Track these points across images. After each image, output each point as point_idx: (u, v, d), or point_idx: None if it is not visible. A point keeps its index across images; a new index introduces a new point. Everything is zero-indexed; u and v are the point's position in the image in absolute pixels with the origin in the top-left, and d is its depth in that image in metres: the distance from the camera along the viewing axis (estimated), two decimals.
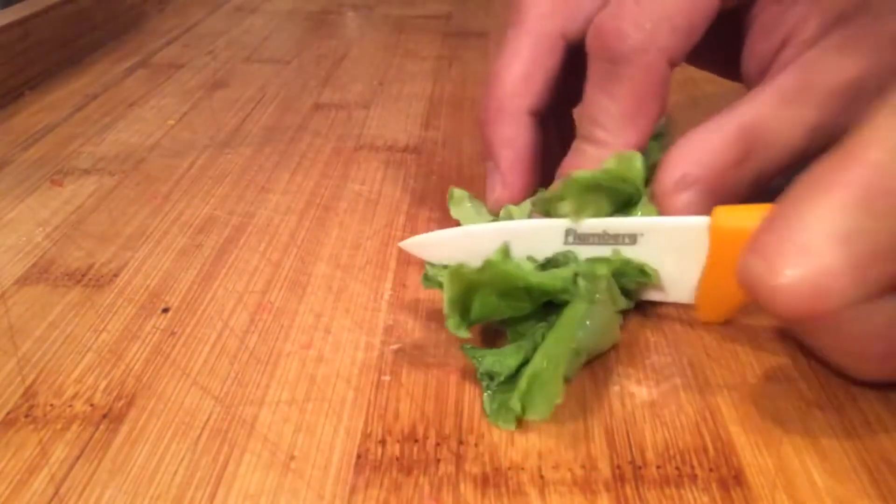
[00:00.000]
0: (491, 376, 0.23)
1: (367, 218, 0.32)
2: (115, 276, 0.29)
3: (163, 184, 0.36)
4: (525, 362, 0.23)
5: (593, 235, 0.25)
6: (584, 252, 0.25)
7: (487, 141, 0.29)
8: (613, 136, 0.26)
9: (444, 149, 0.39)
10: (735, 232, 0.22)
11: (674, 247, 0.24)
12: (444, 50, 0.55)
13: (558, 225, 0.25)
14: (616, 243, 0.25)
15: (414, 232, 0.31)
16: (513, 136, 0.28)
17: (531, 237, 0.26)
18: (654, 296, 0.26)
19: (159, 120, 0.43)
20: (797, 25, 0.26)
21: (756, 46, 0.28)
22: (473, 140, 0.40)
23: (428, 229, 0.31)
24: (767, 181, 0.25)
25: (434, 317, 0.26)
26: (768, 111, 0.25)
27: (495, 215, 0.29)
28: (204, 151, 0.39)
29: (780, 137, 0.25)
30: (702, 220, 0.23)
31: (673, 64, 0.26)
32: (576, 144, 0.27)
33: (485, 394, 0.22)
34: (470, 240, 0.27)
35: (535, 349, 0.23)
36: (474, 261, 0.24)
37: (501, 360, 0.23)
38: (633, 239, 0.25)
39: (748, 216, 0.22)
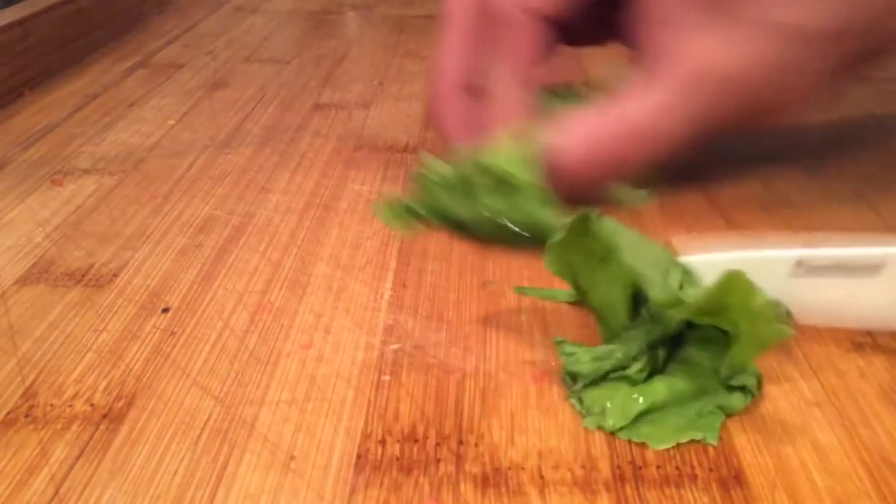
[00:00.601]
0: (574, 377, 0.22)
1: (367, 218, 0.32)
2: (115, 276, 0.29)
3: (163, 184, 0.36)
4: (619, 367, 0.22)
5: (828, 268, 0.22)
6: (814, 286, 0.22)
7: (440, 130, 0.33)
8: (504, 90, 0.30)
9: (444, 149, 0.39)
10: None
11: None
12: None
13: (788, 256, 0.23)
14: (854, 276, 0.22)
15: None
16: (461, 117, 0.32)
17: (755, 268, 0.22)
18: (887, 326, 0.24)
19: (159, 120, 0.43)
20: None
21: (637, 32, 0.30)
22: None
23: (428, 229, 0.31)
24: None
25: (434, 317, 0.26)
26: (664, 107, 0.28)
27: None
28: (204, 151, 0.39)
29: (666, 135, 0.28)
30: None
31: (549, 21, 0.29)
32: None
33: (571, 399, 0.22)
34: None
35: (635, 355, 0.22)
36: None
37: (599, 363, 0.22)
38: (875, 270, 0.22)
39: None
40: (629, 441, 0.21)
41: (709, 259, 0.24)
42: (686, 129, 0.28)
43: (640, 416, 0.21)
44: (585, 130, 0.28)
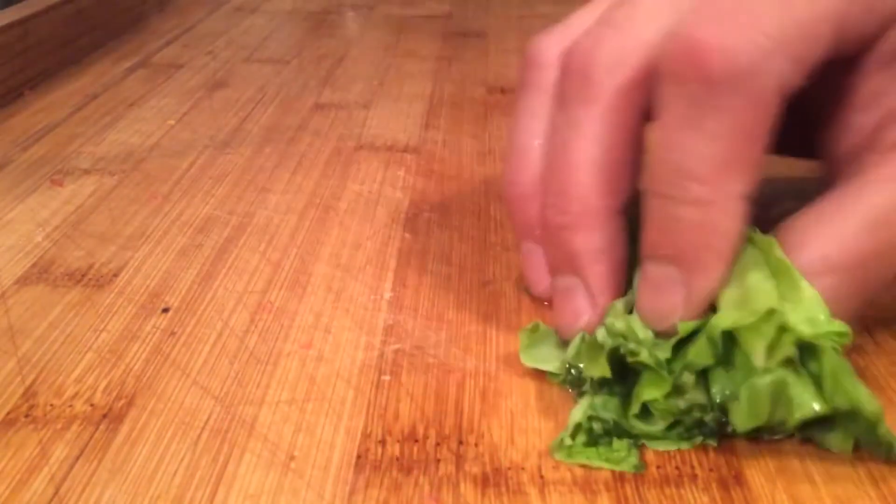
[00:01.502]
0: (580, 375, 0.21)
1: (367, 218, 0.32)
2: (115, 276, 0.29)
3: (163, 184, 0.36)
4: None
5: None
6: None
7: (571, 252, 0.23)
8: (716, 191, 0.20)
9: (444, 149, 0.39)
10: None
11: None
12: (444, 50, 0.55)
13: None
14: None
15: (414, 232, 0.31)
16: (605, 246, 0.22)
17: None
18: None
19: (159, 120, 0.43)
20: None
21: (852, 118, 0.23)
22: (473, 140, 0.40)
23: (428, 229, 0.31)
24: None
25: (434, 317, 0.26)
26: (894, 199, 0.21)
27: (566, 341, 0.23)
28: (204, 151, 0.39)
29: None
30: None
31: (784, 98, 0.20)
32: (663, 207, 0.21)
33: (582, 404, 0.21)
34: None
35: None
36: None
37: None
38: None
39: None
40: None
41: None
42: None
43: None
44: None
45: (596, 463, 0.20)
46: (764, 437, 0.21)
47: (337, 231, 0.31)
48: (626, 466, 0.20)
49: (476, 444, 0.21)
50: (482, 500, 0.19)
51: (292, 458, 0.21)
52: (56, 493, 0.20)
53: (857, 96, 0.23)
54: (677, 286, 0.21)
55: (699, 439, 0.21)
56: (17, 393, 0.23)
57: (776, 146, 0.21)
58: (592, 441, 0.20)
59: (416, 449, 0.21)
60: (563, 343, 0.23)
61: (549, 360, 0.23)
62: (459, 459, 0.20)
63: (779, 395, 0.19)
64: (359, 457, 0.21)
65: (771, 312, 0.19)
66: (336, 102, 0.46)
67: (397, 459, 0.20)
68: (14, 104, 0.46)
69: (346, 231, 0.31)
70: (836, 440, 0.20)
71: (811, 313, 0.19)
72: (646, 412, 0.20)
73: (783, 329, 0.19)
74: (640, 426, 0.20)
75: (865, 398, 0.19)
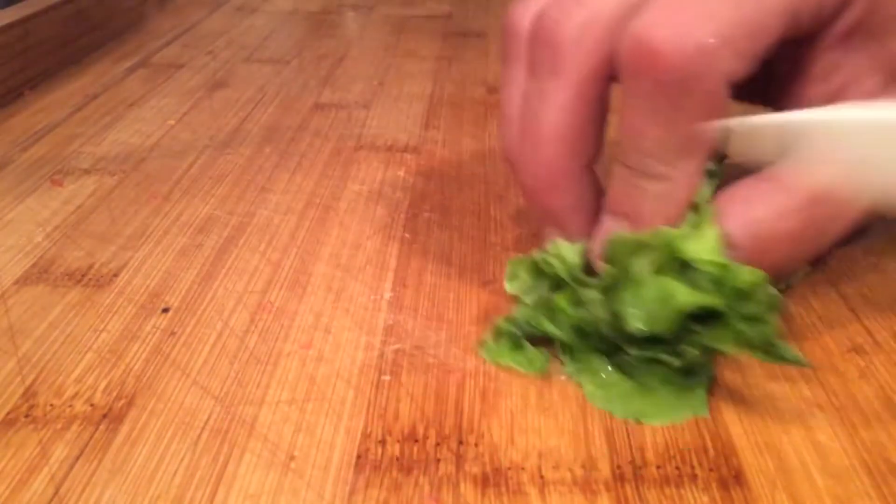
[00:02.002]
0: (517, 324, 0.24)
1: (367, 218, 0.32)
2: (115, 276, 0.29)
3: (163, 184, 0.36)
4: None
5: None
6: None
7: (548, 210, 0.25)
8: (672, 169, 0.22)
9: (444, 149, 0.39)
10: None
11: None
12: (444, 50, 0.55)
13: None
14: None
15: (414, 232, 0.31)
16: (578, 200, 0.24)
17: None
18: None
19: (159, 120, 0.43)
20: (856, 77, 0.24)
21: (805, 90, 0.24)
22: (473, 140, 0.40)
23: (428, 229, 0.31)
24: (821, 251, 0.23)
25: (434, 317, 0.26)
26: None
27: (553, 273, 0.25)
28: (204, 151, 0.39)
29: (843, 209, 0.22)
30: None
31: (734, 85, 0.22)
32: (627, 176, 0.23)
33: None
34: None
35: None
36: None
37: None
38: None
39: None
40: (629, 441, 0.21)
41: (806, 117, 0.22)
42: None
43: (630, 393, 0.22)
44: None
45: (512, 364, 0.24)
46: (662, 355, 0.22)
47: (337, 231, 0.31)
48: (534, 369, 0.23)
49: (476, 444, 0.21)
50: (482, 500, 0.19)
51: (292, 458, 0.21)
52: (56, 493, 0.20)
53: (811, 71, 0.24)
54: None
55: (604, 358, 0.23)
56: (17, 393, 0.23)
57: (742, 95, 0.24)
58: (511, 346, 0.24)
59: (416, 449, 0.21)
60: (539, 274, 0.26)
61: (528, 292, 0.26)
62: (459, 459, 0.20)
63: (662, 300, 0.21)
64: (359, 457, 0.21)
65: (659, 232, 0.22)
66: (336, 102, 0.46)
67: (397, 459, 0.20)
68: (14, 104, 0.46)
69: (346, 231, 0.31)
70: (725, 341, 0.22)
71: (705, 244, 0.22)
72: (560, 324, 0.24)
73: (668, 246, 0.22)
74: (549, 327, 0.24)
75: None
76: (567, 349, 0.24)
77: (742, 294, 0.21)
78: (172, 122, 0.43)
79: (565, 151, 0.24)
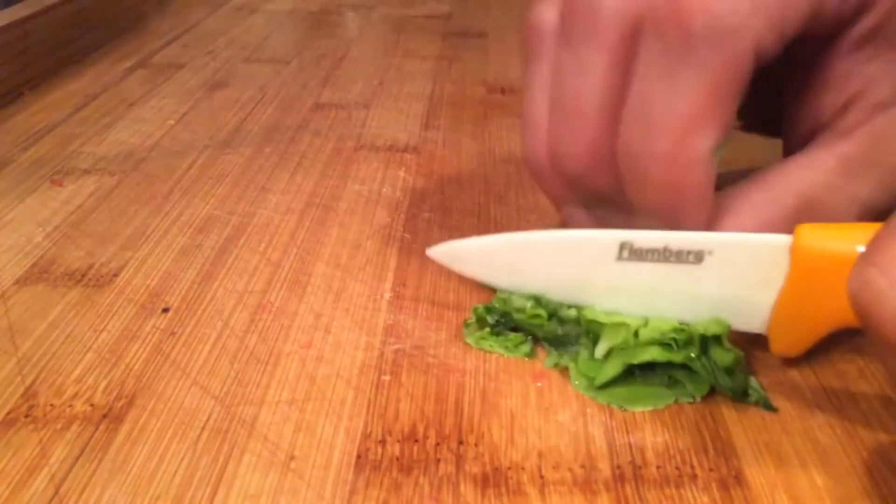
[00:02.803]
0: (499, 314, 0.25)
1: (367, 218, 0.32)
2: (115, 276, 0.29)
3: (163, 184, 0.36)
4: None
5: (652, 251, 0.22)
6: (639, 271, 0.22)
7: (596, 190, 0.24)
8: (682, 146, 0.21)
9: (444, 149, 0.39)
10: (822, 253, 0.20)
11: (745, 268, 0.21)
12: (444, 50, 0.55)
13: (612, 237, 0.22)
14: (678, 261, 0.22)
15: (414, 232, 0.31)
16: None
17: (580, 250, 0.23)
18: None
19: (159, 120, 0.43)
20: (869, 85, 0.23)
21: (819, 99, 0.24)
22: (473, 140, 0.40)
23: (428, 229, 0.31)
24: None
25: (434, 317, 0.26)
26: (829, 181, 0.22)
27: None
28: (204, 151, 0.39)
29: (834, 211, 0.22)
30: (782, 239, 0.21)
31: (757, 62, 0.21)
32: (634, 166, 0.22)
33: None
34: (511, 251, 0.24)
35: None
36: (516, 276, 0.24)
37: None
38: (698, 256, 0.22)
39: (838, 235, 0.20)
40: (629, 441, 0.21)
41: (540, 236, 0.24)
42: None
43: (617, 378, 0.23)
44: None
45: (496, 350, 0.24)
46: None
47: (337, 231, 0.31)
48: (519, 353, 0.24)
49: (476, 444, 0.21)
50: (482, 500, 0.19)
51: (292, 458, 0.21)
52: (56, 493, 0.20)
53: (825, 78, 0.24)
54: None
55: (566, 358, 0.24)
56: (17, 393, 0.23)
57: (747, 124, 0.24)
58: (494, 332, 0.25)
59: (416, 449, 0.21)
60: None
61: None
62: (459, 459, 0.20)
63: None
64: (359, 457, 0.21)
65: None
66: (336, 102, 0.46)
67: (397, 459, 0.20)
68: (14, 104, 0.46)
69: (346, 231, 0.31)
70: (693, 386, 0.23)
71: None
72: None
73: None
74: (524, 320, 0.24)
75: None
76: (549, 342, 0.24)
77: (710, 343, 0.22)
78: (172, 122, 0.43)
79: (610, 128, 0.22)
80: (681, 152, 0.21)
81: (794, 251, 0.21)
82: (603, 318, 0.23)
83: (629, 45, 0.22)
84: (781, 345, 0.22)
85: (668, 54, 0.20)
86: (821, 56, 0.23)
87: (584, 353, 0.24)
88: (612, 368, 0.22)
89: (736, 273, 0.22)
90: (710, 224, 0.22)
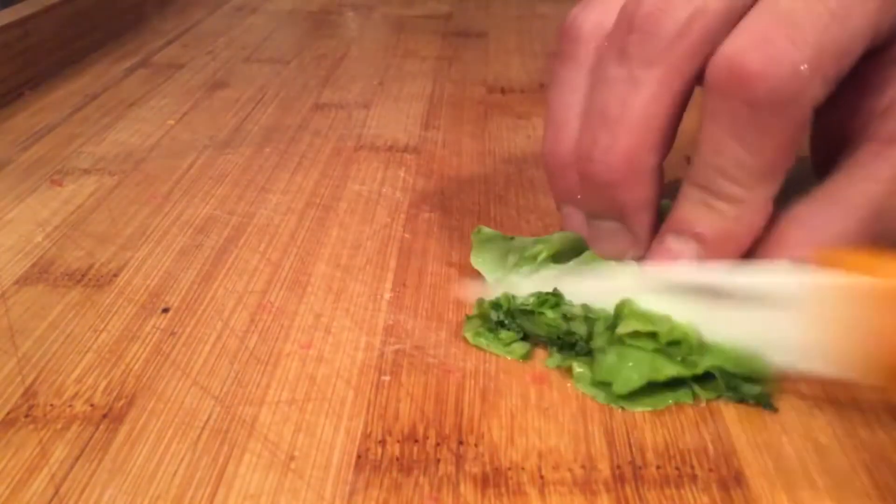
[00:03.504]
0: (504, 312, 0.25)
1: (367, 218, 0.32)
2: (115, 276, 0.29)
3: (163, 184, 0.36)
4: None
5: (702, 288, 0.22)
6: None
7: (619, 203, 0.24)
8: (749, 192, 0.22)
9: (444, 149, 0.39)
10: None
11: (833, 315, 0.21)
12: (444, 50, 0.55)
13: (679, 280, 0.23)
14: (746, 307, 0.22)
15: (414, 232, 0.31)
16: (649, 198, 0.24)
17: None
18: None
19: (159, 120, 0.43)
20: None
21: (861, 102, 0.24)
22: (473, 140, 0.40)
23: (428, 229, 0.31)
24: None
25: (434, 317, 0.26)
26: (892, 190, 0.22)
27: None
28: (204, 151, 0.39)
29: None
30: (857, 280, 0.20)
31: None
32: (700, 197, 0.23)
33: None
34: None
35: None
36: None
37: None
38: (773, 303, 0.22)
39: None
40: (629, 441, 0.21)
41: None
42: None
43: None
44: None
45: (493, 349, 0.24)
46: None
47: (337, 231, 0.31)
48: (515, 354, 0.24)
49: (476, 444, 0.21)
50: (482, 500, 0.19)
51: (292, 458, 0.21)
52: (56, 493, 0.20)
53: (867, 82, 0.24)
54: (693, 261, 0.24)
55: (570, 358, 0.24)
56: (17, 393, 0.23)
57: None
58: (492, 329, 0.24)
59: (416, 449, 0.21)
60: (504, 255, 0.27)
61: (492, 269, 0.27)
62: (459, 459, 0.20)
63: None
64: (359, 457, 0.21)
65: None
66: (336, 102, 0.46)
67: (397, 459, 0.20)
68: (14, 104, 0.46)
69: (346, 231, 0.31)
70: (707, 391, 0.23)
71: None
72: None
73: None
74: (525, 322, 0.24)
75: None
76: (552, 342, 0.24)
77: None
78: (172, 122, 0.43)
79: (651, 143, 0.23)
80: (748, 197, 0.22)
81: (877, 295, 0.20)
82: (634, 306, 0.23)
83: (684, 65, 0.22)
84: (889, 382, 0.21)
85: (733, 115, 0.21)
86: (864, 62, 0.23)
87: (599, 359, 0.23)
88: (636, 381, 0.22)
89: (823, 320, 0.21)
90: (778, 239, 0.23)
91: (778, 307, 0.21)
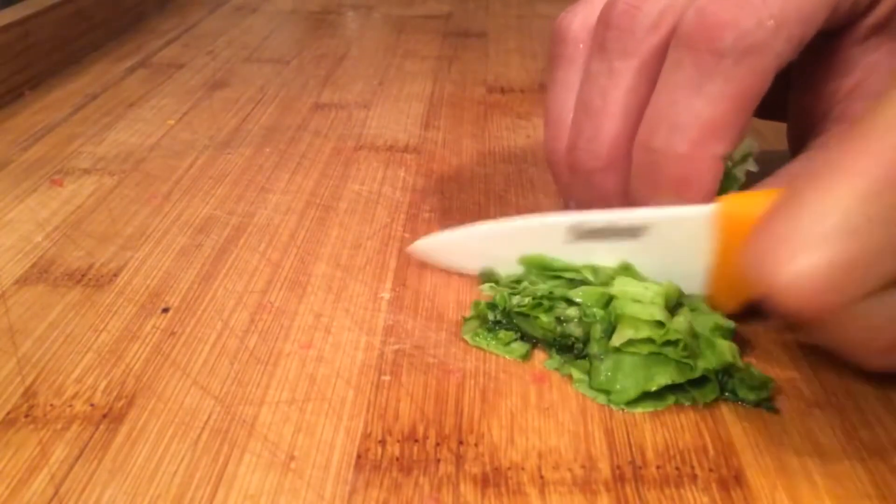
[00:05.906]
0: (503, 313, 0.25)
1: (367, 218, 0.32)
2: (115, 276, 0.29)
3: (163, 184, 0.36)
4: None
5: (596, 231, 0.24)
6: (587, 249, 0.25)
7: (603, 191, 0.25)
8: (698, 150, 0.23)
9: (444, 149, 0.39)
10: (744, 220, 0.21)
11: (679, 239, 0.23)
12: (444, 50, 0.55)
13: (561, 221, 0.25)
14: (619, 237, 0.24)
15: (414, 232, 0.31)
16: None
17: (533, 235, 0.25)
18: None
19: (159, 120, 0.43)
20: (874, 72, 0.24)
21: (826, 86, 0.25)
22: (473, 140, 0.40)
23: (428, 229, 0.31)
24: None
25: (434, 317, 0.26)
26: None
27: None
28: (204, 151, 0.39)
29: None
30: (707, 209, 0.23)
31: (776, 72, 0.22)
32: (645, 157, 0.24)
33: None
34: (477, 241, 0.27)
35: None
36: (487, 262, 0.25)
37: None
38: (634, 233, 0.24)
39: (758, 203, 0.21)
40: (629, 441, 0.21)
41: (496, 227, 0.26)
42: None
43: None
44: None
45: (492, 349, 0.24)
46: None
47: (337, 231, 0.31)
48: (514, 354, 0.24)
49: (476, 444, 0.21)
50: (482, 500, 0.19)
51: (292, 458, 0.21)
52: (56, 493, 0.20)
53: (833, 65, 0.25)
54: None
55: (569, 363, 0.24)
56: (17, 393, 0.23)
57: (761, 110, 0.24)
58: (490, 329, 0.25)
59: (416, 449, 0.21)
60: None
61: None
62: (459, 459, 0.20)
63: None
64: (359, 457, 0.21)
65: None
66: (336, 102, 0.46)
67: (397, 459, 0.20)
68: (14, 104, 0.46)
69: (346, 231, 0.31)
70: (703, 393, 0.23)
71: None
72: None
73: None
74: (522, 323, 0.25)
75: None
76: (549, 344, 0.24)
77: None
78: (172, 122, 0.43)
79: (629, 129, 0.24)
80: (697, 153, 0.23)
81: (719, 220, 0.22)
82: (627, 309, 0.23)
83: (658, 56, 0.24)
84: (721, 303, 0.24)
85: (697, 65, 0.22)
86: (827, 46, 0.25)
87: (596, 365, 0.23)
88: (632, 392, 0.22)
89: (670, 244, 0.24)
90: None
91: (626, 237, 0.24)
